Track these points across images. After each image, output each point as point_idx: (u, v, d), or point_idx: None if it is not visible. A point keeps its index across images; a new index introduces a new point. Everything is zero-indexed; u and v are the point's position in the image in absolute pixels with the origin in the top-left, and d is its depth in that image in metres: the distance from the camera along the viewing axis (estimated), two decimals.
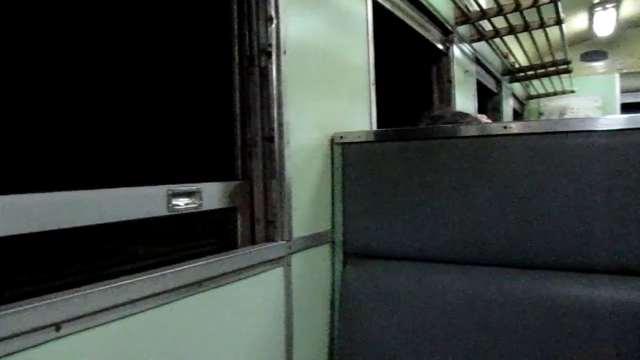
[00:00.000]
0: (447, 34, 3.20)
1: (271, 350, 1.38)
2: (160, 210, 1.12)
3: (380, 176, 1.62)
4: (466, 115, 2.06)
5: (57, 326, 0.81)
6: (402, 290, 1.54)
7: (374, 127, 1.99)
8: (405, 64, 3.08)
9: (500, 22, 3.63)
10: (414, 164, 1.57)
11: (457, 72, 3.33)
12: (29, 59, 1.07)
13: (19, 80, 1.05)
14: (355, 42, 1.91)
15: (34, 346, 0.78)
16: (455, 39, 3.30)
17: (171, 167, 1.35)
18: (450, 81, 3.22)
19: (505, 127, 1.46)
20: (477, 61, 4.04)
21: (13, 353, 0.76)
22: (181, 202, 1.17)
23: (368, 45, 1.98)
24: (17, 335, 0.76)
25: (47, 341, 0.80)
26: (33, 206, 0.88)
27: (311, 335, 1.58)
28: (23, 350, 0.77)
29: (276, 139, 1.39)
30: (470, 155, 1.49)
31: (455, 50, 3.31)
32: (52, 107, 1.10)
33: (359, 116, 1.91)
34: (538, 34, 4.04)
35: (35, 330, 0.78)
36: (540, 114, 8.20)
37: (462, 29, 3.50)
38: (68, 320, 0.82)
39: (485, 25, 3.76)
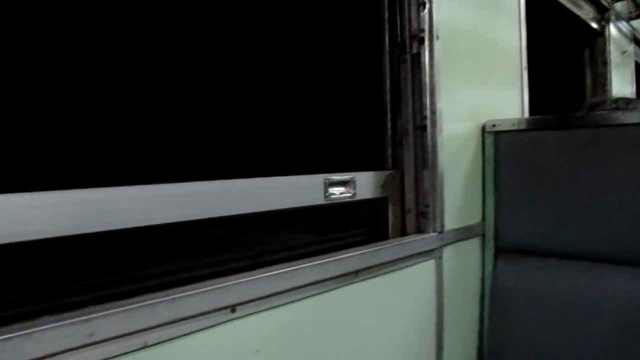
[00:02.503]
0: (602, 11, 2.91)
1: (422, 341, 1.35)
2: (318, 199, 1.13)
3: (537, 167, 1.51)
4: (631, 100, 1.86)
5: (233, 308, 0.84)
6: (562, 290, 1.43)
7: (526, 115, 1.86)
8: (555, 46, 2.85)
9: None
10: (578, 155, 1.44)
11: (613, 54, 3.02)
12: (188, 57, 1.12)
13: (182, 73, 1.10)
14: (507, 24, 1.79)
15: (213, 326, 0.82)
16: (612, 17, 3.00)
17: (321, 155, 1.35)
18: (605, 64, 2.94)
19: None
20: (636, 40, 3.64)
21: (194, 332, 0.80)
22: (336, 191, 1.18)
23: (520, 26, 1.85)
24: (198, 315, 0.80)
25: (224, 322, 0.83)
26: (209, 193, 0.92)
27: (460, 330, 1.53)
28: (203, 330, 0.81)
29: (429, 127, 1.34)
30: None
31: (612, 29, 3.01)
32: (218, 102, 1.14)
33: (510, 103, 1.79)
34: None
35: (214, 311, 0.81)
36: None
37: (620, 5, 3.16)
38: (242, 303, 0.85)
39: None
